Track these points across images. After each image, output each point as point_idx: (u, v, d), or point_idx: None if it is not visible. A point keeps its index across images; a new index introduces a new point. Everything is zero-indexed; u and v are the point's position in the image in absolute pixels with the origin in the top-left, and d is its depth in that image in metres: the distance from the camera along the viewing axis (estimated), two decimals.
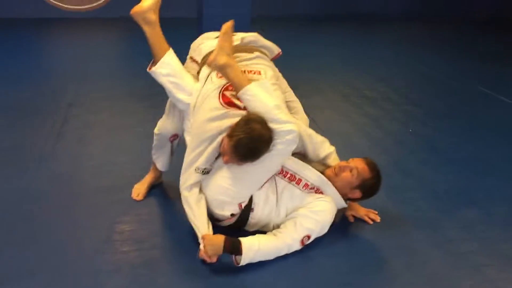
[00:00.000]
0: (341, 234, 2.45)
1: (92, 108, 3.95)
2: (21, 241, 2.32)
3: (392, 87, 4.89)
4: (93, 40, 6.60)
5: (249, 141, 2.10)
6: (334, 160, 2.54)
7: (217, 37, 2.43)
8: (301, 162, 2.37)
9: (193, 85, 2.40)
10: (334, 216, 2.36)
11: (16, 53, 5.65)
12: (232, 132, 2.15)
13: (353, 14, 8.58)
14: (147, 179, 2.79)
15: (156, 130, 2.66)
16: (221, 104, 2.28)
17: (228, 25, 2.29)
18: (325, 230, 2.34)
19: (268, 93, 2.24)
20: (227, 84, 2.31)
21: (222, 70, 2.26)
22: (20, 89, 4.44)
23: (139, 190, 2.74)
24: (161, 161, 2.73)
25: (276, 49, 2.65)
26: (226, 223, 2.35)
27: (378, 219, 2.58)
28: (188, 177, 2.33)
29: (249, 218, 2.33)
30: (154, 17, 2.32)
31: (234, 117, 2.24)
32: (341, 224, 2.47)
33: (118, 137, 3.45)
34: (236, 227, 2.35)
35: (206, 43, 2.51)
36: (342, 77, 5.18)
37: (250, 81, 2.24)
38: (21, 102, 4.11)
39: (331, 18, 8.36)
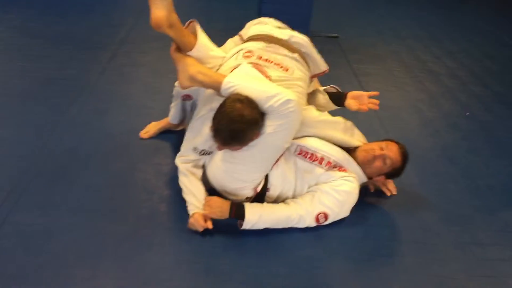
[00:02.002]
0: (358, 216, 2.29)
1: (142, 47, 3.94)
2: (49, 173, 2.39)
3: (462, 62, 4.49)
4: None
5: (228, 123, 1.92)
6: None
7: (274, 26, 2.46)
8: (321, 140, 2.24)
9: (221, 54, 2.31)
10: (357, 199, 2.23)
11: None
12: (214, 115, 2.00)
13: None
14: (163, 121, 2.78)
15: (176, 82, 2.57)
16: None
17: (172, 50, 2.17)
18: (347, 213, 2.23)
19: (250, 76, 2.08)
20: (250, 64, 2.17)
21: (194, 81, 2.10)
22: (82, 19, 4.53)
23: (149, 128, 2.77)
24: (172, 112, 2.69)
25: (323, 66, 2.50)
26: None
27: (395, 191, 2.46)
28: (186, 152, 2.27)
29: (265, 197, 2.22)
30: (174, 18, 2.09)
31: None
32: (359, 203, 2.29)
33: (158, 81, 3.41)
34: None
35: (257, 27, 2.48)
36: (409, 45, 4.81)
37: (224, 75, 2.07)
38: (82, 33, 4.21)
39: None
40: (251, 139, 1.99)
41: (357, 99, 2.38)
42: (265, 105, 1.96)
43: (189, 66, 2.11)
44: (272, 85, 2.04)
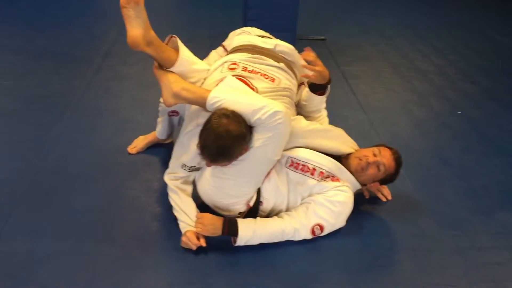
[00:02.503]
0: (354, 225, 2.24)
1: (127, 60, 3.86)
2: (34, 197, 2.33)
3: (450, 59, 4.48)
4: None
5: (215, 139, 1.86)
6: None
7: (258, 35, 2.41)
8: (311, 151, 2.18)
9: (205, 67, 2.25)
10: (352, 208, 2.19)
11: None
12: (200, 131, 1.94)
13: None
14: (151, 135, 2.73)
15: (160, 98, 2.49)
16: None
17: (155, 67, 2.14)
18: (343, 223, 2.18)
19: (236, 89, 2.04)
20: (235, 76, 2.12)
21: (179, 98, 2.06)
22: (66, 32, 4.49)
23: (137, 143, 2.73)
24: (159, 128, 2.65)
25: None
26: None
27: (390, 196, 2.46)
28: (175, 169, 2.22)
29: (259, 211, 2.17)
30: (151, 35, 2.03)
31: None
32: (355, 212, 2.24)
33: (145, 94, 3.35)
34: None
35: (240, 37, 2.44)
36: (395, 43, 4.80)
37: (209, 90, 2.02)
38: (64, 47, 4.15)
39: None
40: (239, 154, 1.94)
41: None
42: (252, 119, 1.91)
43: (172, 83, 2.06)
44: (258, 98, 1.99)
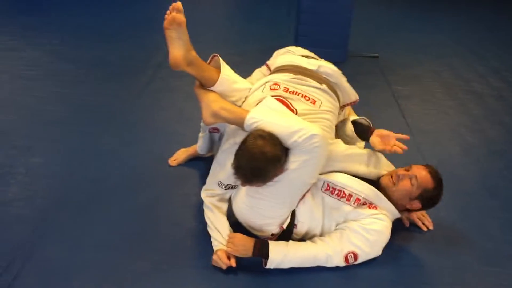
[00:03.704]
0: (391, 255, 2.16)
1: (178, 72, 3.92)
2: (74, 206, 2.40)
3: (509, 81, 4.26)
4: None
5: (249, 160, 1.86)
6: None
7: (302, 55, 2.38)
8: (349, 176, 2.13)
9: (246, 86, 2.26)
10: (389, 238, 2.11)
11: (123, 6, 5.81)
12: (236, 151, 1.94)
13: None
14: (192, 148, 2.76)
15: None
16: None
17: (196, 87, 2.19)
18: (378, 252, 2.11)
19: (274, 110, 2.02)
20: (275, 97, 2.11)
21: (218, 117, 2.08)
22: (121, 43, 4.62)
23: (178, 155, 2.77)
24: (200, 143, 2.65)
25: (353, 95, 2.40)
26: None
27: (431, 226, 2.37)
28: (211, 185, 2.23)
29: (292, 234, 2.14)
30: (192, 56, 2.09)
31: None
32: (392, 240, 2.16)
33: (192, 107, 3.38)
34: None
35: (284, 57, 2.42)
36: (449, 62, 4.61)
37: (247, 111, 2.02)
38: (117, 58, 4.27)
39: None
40: (274, 176, 1.92)
41: (383, 139, 2.25)
42: (288, 141, 1.89)
43: (212, 102, 2.08)
44: (296, 120, 1.97)
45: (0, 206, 2.37)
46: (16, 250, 2.09)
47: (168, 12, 2.01)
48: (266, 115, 1.97)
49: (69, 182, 2.55)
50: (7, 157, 2.75)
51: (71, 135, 2.99)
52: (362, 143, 2.44)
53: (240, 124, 2.01)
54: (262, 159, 1.84)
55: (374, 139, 2.25)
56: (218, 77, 2.12)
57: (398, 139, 2.24)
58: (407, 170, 2.15)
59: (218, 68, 2.17)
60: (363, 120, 2.42)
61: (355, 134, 2.36)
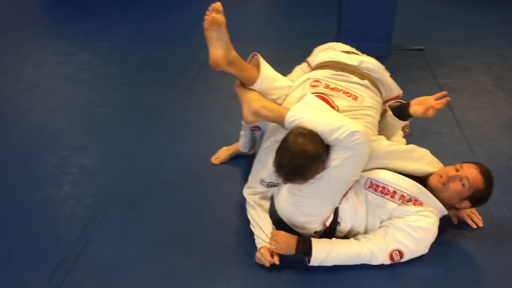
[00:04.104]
0: (438, 253, 2.11)
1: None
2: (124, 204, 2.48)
3: None
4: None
5: (290, 158, 1.85)
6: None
7: (343, 51, 2.37)
8: (393, 173, 2.08)
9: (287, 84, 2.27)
10: (435, 235, 2.06)
11: (169, 9, 5.91)
12: (277, 149, 1.93)
13: None
14: (234, 146, 2.78)
15: None
16: None
17: (236, 85, 2.22)
18: (425, 250, 2.06)
19: (315, 107, 2.00)
20: (314, 95, 2.10)
21: (258, 116, 2.10)
22: (166, 44, 4.72)
23: (221, 153, 2.79)
24: (242, 141, 2.67)
25: (396, 90, 2.38)
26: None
27: (480, 223, 2.28)
28: (253, 183, 2.25)
29: (336, 232, 2.13)
30: (232, 55, 2.12)
31: None
32: (440, 238, 2.11)
33: (234, 105, 3.40)
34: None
35: (325, 53, 2.42)
36: (501, 53, 4.41)
37: (288, 109, 2.01)
38: (163, 58, 4.37)
39: None
40: (315, 174, 1.92)
41: (421, 104, 2.21)
42: (330, 138, 1.88)
43: (252, 101, 2.09)
44: (337, 116, 1.95)
45: (53, 205, 2.49)
46: (68, 247, 2.19)
47: (207, 12, 2.03)
48: (306, 112, 1.97)
49: (119, 181, 2.64)
50: (60, 158, 2.88)
51: (120, 135, 3.09)
52: (404, 140, 2.40)
53: (280, 122, 2.01)
54: (303, 156, 1.84)
55: (413, 108, 2.23)
56: (259, 76, 2.14)
57: (437, 99, 2.21)
58: (457, 170, 2.09)
59: (258, 67, 2.18)
60: (397, 103, 2.38)
61: (395, 119, 2.32)
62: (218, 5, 2.03)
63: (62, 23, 5.52)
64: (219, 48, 2.07)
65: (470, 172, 2.06)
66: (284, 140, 1.92)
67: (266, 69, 2.18)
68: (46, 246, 2.21)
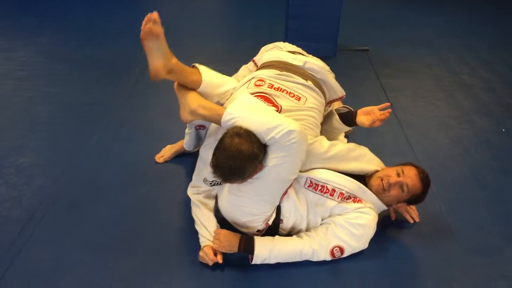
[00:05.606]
0: (377, 248, 2.18)
1: None
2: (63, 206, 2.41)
3: (499, 73, 4.26)
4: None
5: (226, 159, 1.85)
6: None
7: (289, 51, 2.41)
8: (331, 171, 2.13)
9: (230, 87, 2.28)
10: (374, 231, 2.12)
11: (118, 6, 5.79)
12: (214, 150, 1.93)
13: None
14: (178, 144, 2.76)
15: None
16: None
17: (175, 85, 2.22)
18: (365, 246, 2.12)
19: (252, 106, 2.02)
20: (258, 94, 2.12)
21: (195, 115, 2.10)
22: (113, 42, 4.61)
23: (165, 152, 2.77)
24: (186, 140, 2.66)
25: (339, 92, 2.43)
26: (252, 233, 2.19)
27: (418, 218, 2.37)
28: (197, 182, 2.25)
29: (279, 229, 2.15)
30: (172, 63, 2.08)
31: None
32: (379, 233, 2.17)
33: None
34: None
35: (270, 53, 2.45)
36: (441, 55, 4.60)
37: (225, 108, 2.02)
38: (108, 56, 4.26)
39: None
40: (253, 174, 1.92)
41: (368, 115, 2.29)
42: (266, 137, 1.89)
43: (190, 100, 2.09)
44: (274, 116, 1.96)
45: None
46: (2, 252, 2.10)
47: (143, 22, 1.95)
48: (243, 111, 1.97)
49: (58, 182, 2.56)
50: None
51: (61, 135, 3.00)
52: (345, 139, 2.45)
53: (218, 121, 2.01)
54: (239, 157, 1.84)
55: (360, 118, 2.30)
56: (202, 79, 2.13)
57: (381, 109, 2.29)
58: (399, 175, 2.15)
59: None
60: (344, 108, 2.44)
61: (342, 125, 2.38)
62: (155, 15, 1.96)
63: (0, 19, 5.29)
64: (158, 59, 2.03)
65: (410, 178, 2.14)
66: (221, 141, 1.91)
67: (207, 76, 2.17)
68: None
